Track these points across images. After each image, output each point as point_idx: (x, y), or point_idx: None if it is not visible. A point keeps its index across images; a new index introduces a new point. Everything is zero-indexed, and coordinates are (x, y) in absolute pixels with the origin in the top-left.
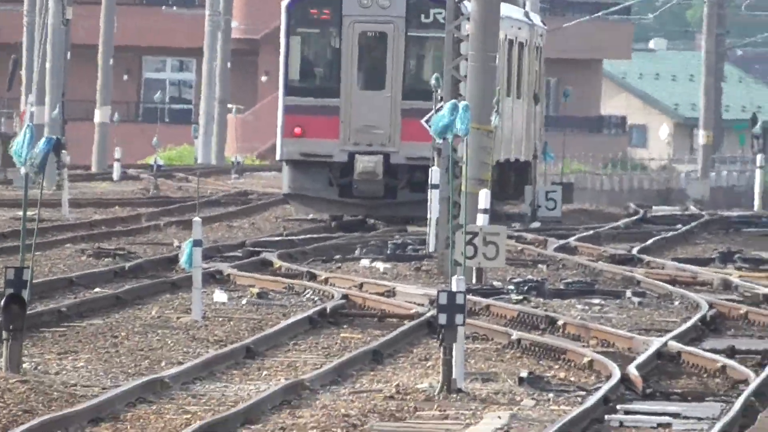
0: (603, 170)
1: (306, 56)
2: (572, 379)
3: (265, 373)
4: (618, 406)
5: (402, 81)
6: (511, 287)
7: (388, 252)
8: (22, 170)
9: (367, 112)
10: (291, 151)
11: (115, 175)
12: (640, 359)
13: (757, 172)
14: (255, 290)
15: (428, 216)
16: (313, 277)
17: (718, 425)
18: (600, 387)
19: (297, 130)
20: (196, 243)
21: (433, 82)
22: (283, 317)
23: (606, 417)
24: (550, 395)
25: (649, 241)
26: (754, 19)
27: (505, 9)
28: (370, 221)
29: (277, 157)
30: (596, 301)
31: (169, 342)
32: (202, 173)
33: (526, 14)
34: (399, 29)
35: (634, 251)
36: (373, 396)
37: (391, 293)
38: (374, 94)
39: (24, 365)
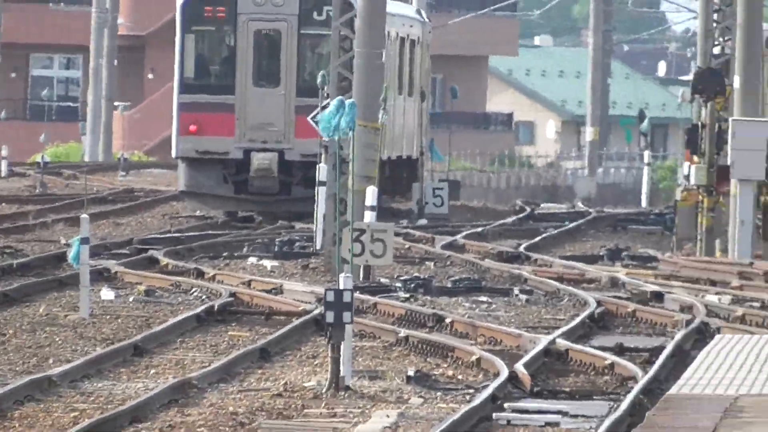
0: (490, 167)
1: (201, 54)
2: (460, 377)
3: (153, 371)
4: (506, 405)
5: (296, 78)
6: (399, 285)
7: (276, 249)
8: None
9: (262, 109)
10: (186, 149)
11: (2, 173)
12: (527, 357)
13: (645, 169)
14: (142, 288)
15: (315, 213)
16: (200, 274)
17: (606, 423)
18: (488, 385)
19: (192, 127)
20: (84, 240)
21: (319, 79)
22: (170, 315)
23: (494, 415)
24: (438, 393)
25: (537, 239)
26: (641, 15)
27: (399, 6)
28: (258, 218)
29: (173, 155)
30: (484, 298)
31: (57, 340)
32: (90, 170)
33: (419, 11)
34: (293, 27)
35: (522, 249)
36: (260, 394)
37: (278, 291)
38: (269, 91)
39: None
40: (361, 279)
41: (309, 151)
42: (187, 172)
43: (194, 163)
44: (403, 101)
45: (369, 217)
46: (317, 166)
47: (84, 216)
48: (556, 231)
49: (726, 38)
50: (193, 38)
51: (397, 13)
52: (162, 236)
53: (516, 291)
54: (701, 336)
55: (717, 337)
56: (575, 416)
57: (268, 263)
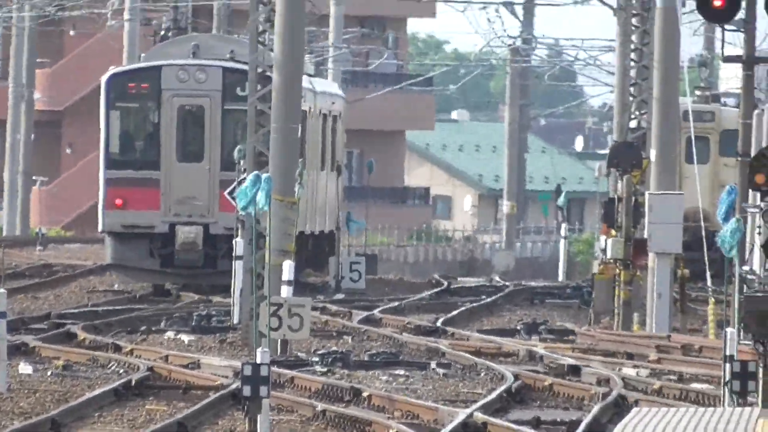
0: (408, 241)
1: (126, 130)
2: None
3: None
4: None
5: (220, 153)
6: (316, 359)
7: (193, 324)
8: None
9: (187, 183)
10: (113, 223)
11: None
12: (445, 431)
13: (561, 242)
14: (60, 362)
15: (233, 287)
16: (118, 349)
17: None
18: None
19: (118, 201)
20: (1, 315)
21: (236, 154)
22: (88, 389)
23: None
24: None
25: (454, 313)
26: (557, 89)
27: (323, 83)
28: (175, 293)
29: (99, 229)
30: (401, 372)
31: None
32: (7, 245)
33: (324, 84)
34: (216, 102)
35: (439, 322)
36: None
37: (196, 365)
38: (193, 166)
39: None
40: (278, 353)
41: (234, 225)
42: (113, 245)
43: (121, 237)
44: (326, 176)
45: (286, 291)
46: (234, 241)
47: (1, 291)
48: (473, 305)
49: (642, 112)
50: (118, 114)
51: (323, 90)
52: (80, 311)
53: (433, 365)
54: (618, 409)
55: (634, 410)
56: None
57: (185, 337)
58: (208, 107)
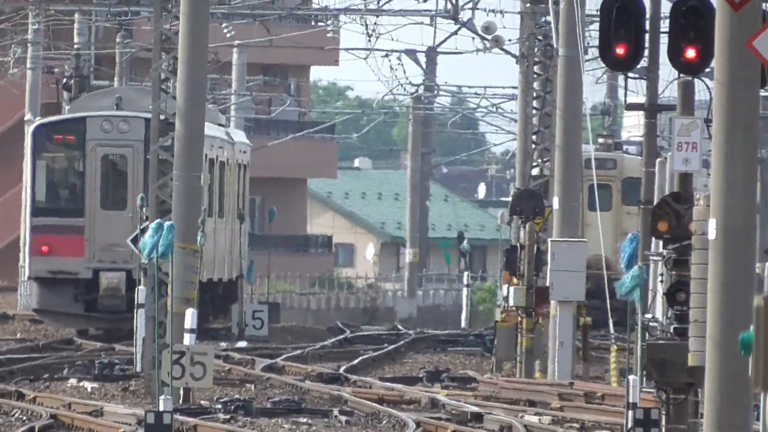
0: (310, 289)
1: (51, 178)
2: None
3: None
4: None
5: None
6: (219, 407)
7: (96, 372)
8: None
9: (110, 230)
10: (39, 269)
11: None
12: None
13: (464, 290)
14: None
15: (135, 336)
16: (20, 396)
17: None
18: None
19: (44, 248)
20: None
21: (138, 202)
22: None
23: None
24: None
25: (356, 360)
26: (459, 136)
27: (209, 128)
28: (78, 341)
29: (26, 275)
30: (304, 419)
31: None
32: None
33: (227, 133)
34: (138, 152)
35: (342, 370)
36: None
37: (99, 413)
38: (116, 213)
39: None
40: (181, 401)
41: None
42: (39, 291)
43: (46, 282)
44: (215, 223)
45: (188, 339)
46: (137, 289)
47: None
48: (375, 353)
49: (545, 159)
50: (44, 163)
51: (239, 140)
52: None
53: (336, 412)
54: None
55: None
56: None
57: (88, 385)
58: (131, 156)
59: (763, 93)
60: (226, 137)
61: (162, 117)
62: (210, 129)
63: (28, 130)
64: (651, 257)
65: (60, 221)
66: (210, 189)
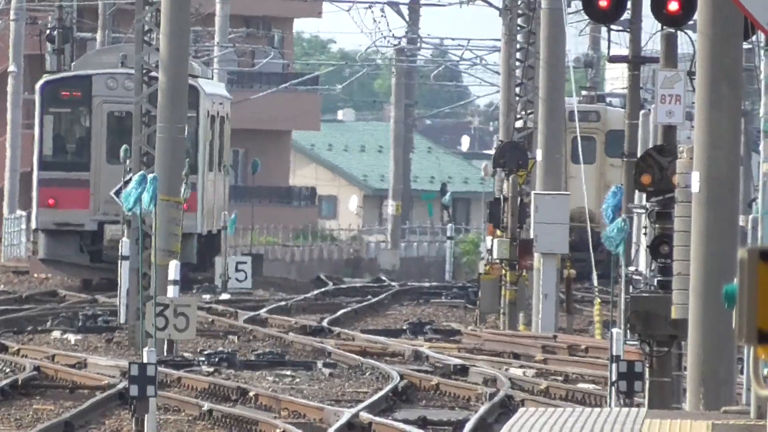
0: (293, 241)
1: (58, 133)
2: None
3: None
4: None
5: None
6: (203, 359)
7: (80, 324)
8: None
9: (115, 184)
10: (45, 221)
11: None
12: (330, 430)
13: (447, 242)
14: None
15: (119, 288)
16: (4, 348)
17: None
18: None
19: (51, 201)
20: None
21: (122, 154)
22: None
23: None
24: None
25: (339, 313)
26: (442, 89)
27: (211, 85)
28: (62, 293)
29: (32, 226)
30: (287, 372)
31: None
32: None
33: (226, 87)
34: None
35: (325, 323)
36: None
37: (82, 365)
38: (121, 168)
39: None
40: (165, 353)
41: None
42: (46, 242)
43: (53, 233)
44: (214, 177)
45: (172, 291)
46: (120, 241)
47: None
48: (359, 305)
49: (528, 112)
50: (51, 119)
51: (211, 92)
52: None
53: (319, 365)
54: (505, 409)
55: (521, 410)
56: None
57: (72, 337)
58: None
59: (746, 45)
60: (224, 93)
61: (145, 69)
62: (211, 86)
63: (36, 86)
64: (634, 210)
65: (66, 175)
66: (211, 144)
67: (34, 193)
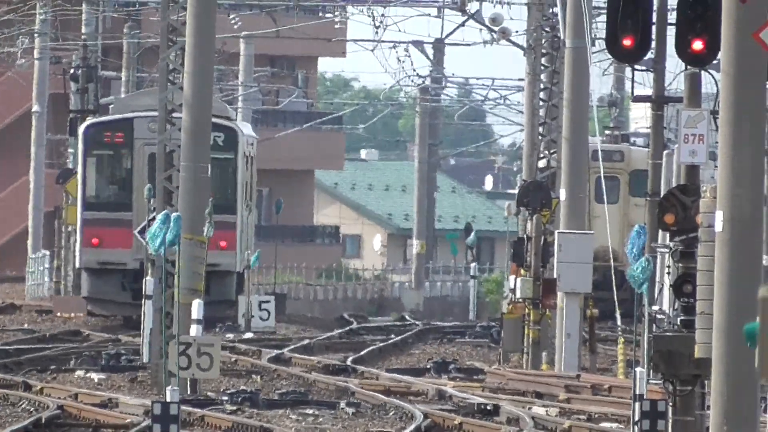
0: (316, 280)
1: (101, 174)
2: None
3: None
4: None
5: None
6: (226, 398)
7: (103, 363)
8: None
9: None
10: (89, 260)
11: None
12: None
13: (471, 281)
14: None
15: (142, 326)
16: (28, 387)
17: None
18: None
19: (94, 240)
20: None
21: (146, 193)
22: None
23: None
24: None
25: (363, 352)
26: (466, 128)
27: (246, 126)
28: (85, 333)
29: (77, 265)
30: (310, 411)
31: None
32: None
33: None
34: None
35: (348, 361)
36: None
37: (114, 404)
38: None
39: None
40: (188, 392)
41: None
42: (89, 280)
43: (96, 272)
44: (247, 217)
45: (195, 330)
46: (144, 280)
47: None
48: (383, 344)
49: (552, 151)
50: (94, 161)
51: (248, 133)
52: None
53: (343, 404)
54: None
55: None
56: None
57: (95, 376)
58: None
59: None
60: (253, 133)
61: (169, 108)
62: (246, 127)
63: (80, 129)
64: (658, 249)
65: (109, 215)
66: (248, 185)
67: (78, 233)
